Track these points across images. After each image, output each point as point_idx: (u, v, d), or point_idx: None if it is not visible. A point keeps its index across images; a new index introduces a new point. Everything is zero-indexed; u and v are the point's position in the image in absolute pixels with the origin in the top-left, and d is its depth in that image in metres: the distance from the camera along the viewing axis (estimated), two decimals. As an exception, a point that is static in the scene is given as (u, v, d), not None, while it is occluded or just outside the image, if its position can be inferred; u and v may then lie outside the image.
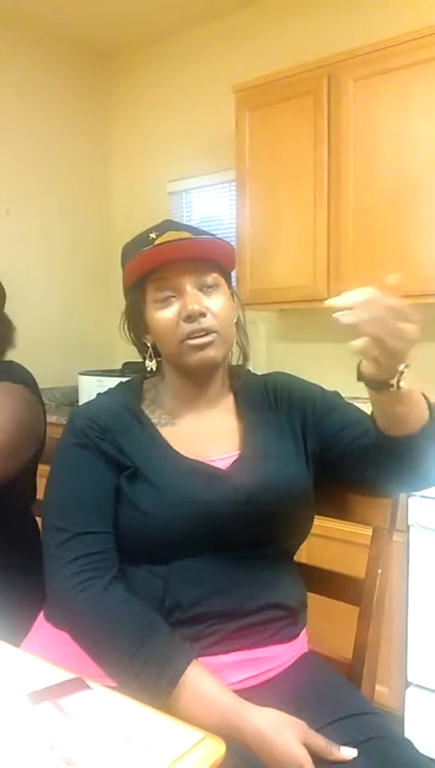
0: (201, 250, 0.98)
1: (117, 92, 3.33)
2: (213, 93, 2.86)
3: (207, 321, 0.97)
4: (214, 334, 0.98)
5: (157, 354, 1.06)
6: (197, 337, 0.97)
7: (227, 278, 1.06)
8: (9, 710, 0.70)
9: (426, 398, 0.95)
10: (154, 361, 1.07)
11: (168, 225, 1.02)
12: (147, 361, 1.07)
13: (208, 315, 0.97)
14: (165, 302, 0.99)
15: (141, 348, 1.09)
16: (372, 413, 0.97)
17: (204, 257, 0.99)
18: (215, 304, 0.99)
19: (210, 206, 3.05)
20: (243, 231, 2.50)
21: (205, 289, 0.99)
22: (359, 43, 2.18)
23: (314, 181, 2.29)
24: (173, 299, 0.98)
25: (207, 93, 2.92)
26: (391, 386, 0.85)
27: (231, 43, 2.86)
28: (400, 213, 2.12)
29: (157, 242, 0.98)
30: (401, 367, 0.85)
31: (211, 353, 0.99)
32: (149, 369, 1.07)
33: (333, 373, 2.48)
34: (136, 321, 1.06)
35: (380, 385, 0.86)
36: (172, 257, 0.97)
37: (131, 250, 1.02)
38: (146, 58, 3.20)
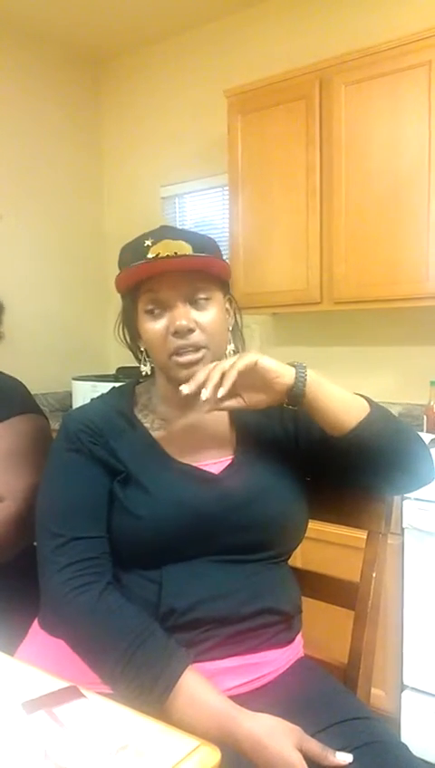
0: (194, 264, 0.97)
1: (109, 97, 3.34)
2: (205, 98, 2.87)
3: (195, 337, 0.97)
4: (203, 350, 0.97)
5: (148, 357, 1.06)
6: (185, 353, 0.97)
7: (223, 286, 1.04)
8: (3, 719, 0.70)
9: (364, 397, 0.99)
10: (148, 366, 1.06)
11: (164, 232, 1.00)
12: (141, 366, 1.07)
13: (197, 331, 0.97)
14: (155, 314, 0.98)
15: (135, 351, 1.09)
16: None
17: (196, 270, 0.98)
18: (205, 318, 0.98)
19: (203, 210, 3.05)
20: (236, 235, 2.50)
21: (196, 302, 0.98)
22: (350, 48, 2.20)
23: (307, 185, 2.30)
24: (163, 312, 0.98)
25: (199, 98, 2.93)
26: (298, 394, 0.93)
27: (223, 47, 2.87)
28: (391, 216, 2.12)
29: (151, 251, 0.97)
30: (293, 373, 0.93)
31: (198, 371, 0.98)
32: (144, 373, 1.07)
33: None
34: (129, 326, 1.06)
35: (293, 399, 0.94)
36: (164, 270, 0.96)
37: (126, 257, 1.01)
38: (137, 63, 3.20)
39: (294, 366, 0.94)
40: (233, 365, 0.90)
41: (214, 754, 0.65)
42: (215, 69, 2.88)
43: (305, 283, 2.32)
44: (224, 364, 0.91)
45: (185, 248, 0.97)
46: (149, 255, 0.96)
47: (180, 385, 0.97)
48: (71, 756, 0.63)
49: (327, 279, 2.28)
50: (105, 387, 1.16)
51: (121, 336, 1.08)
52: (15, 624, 1.07)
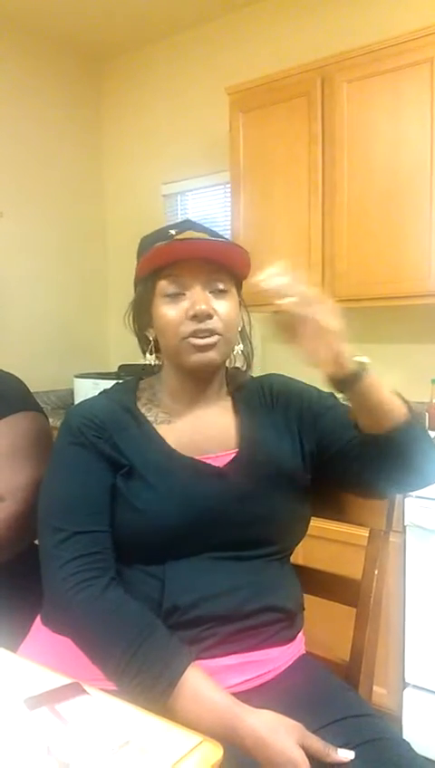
0: (217, 252, 0.99)
1: (110, 95, 3.33)
2: (207, 95, 2.87)
3: (212, 323, 0.98)
4: (217, 336, 0.98)
5: (158, 349, 1.06)
6: (201, 337, 0.97)
7: (239, 285, 1.06)
8: (6, 715, 0.70)
9: (402, 397, 0.97)
10: (154, 356, 1.06)
11: (188, 225, 1.03)
12: (147, 355, 1.07)
13: (215, 317, 0.98)
14: (173, 299, 0.99)
15: (143, 341, 1.09)
16: (352, 415, 0.99)
17: (218, 260, 0.99)
18: (223, 308, 0.99)
19: (205, 208, 3.05)
20: (237, 233, 2.50)
21: (215, 292, 1.00)
22: (352, 45, 2.19)
23: (308, 182, 2.29)
24: (182, 296, 0.99)
25: (201, 95, 2.93)
26: (357, 377, 0.90)
27: (224, 45, 2.86)
28: (393, 214, 2.12)
29: (175, 239, 0.98)
30: (357, 358, 0.91)
31: (211, 356, 0.99)
32: (150, 362, 1.07)
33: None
34: (141, 313, 1.06)
35: (343, 383, 0.91)
36: (187, 255, 0.98)
37: (149, 242, 1.02)
38: (139, 60, 3.20)
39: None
40: (311, 295, 0.88)
41: (216, 751, 0.66)
42: (216, 66, 2.87)
43: (307, 280, 2.31)
44: (304, 288, 0.88)
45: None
46: None
47: (190, 372, 1.00)
48: (73, 753, 0.63)
49: (329, 276, 2.27)
50: (107, 384, 1.16)
51: (130, 324, 1.08)
52: (18, 621, 1.07)
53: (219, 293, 1.00)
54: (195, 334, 0.97)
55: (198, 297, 0.97)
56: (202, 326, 0.97)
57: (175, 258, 0.98)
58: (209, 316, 0.97)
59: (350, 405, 0.98)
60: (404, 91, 2.07)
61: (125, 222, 3.27)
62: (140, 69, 3.20)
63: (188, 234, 1.00)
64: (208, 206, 3.03)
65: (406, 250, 2.10)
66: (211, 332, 0.98)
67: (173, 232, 1.00)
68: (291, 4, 2.65)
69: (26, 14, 2.85)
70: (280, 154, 2.36)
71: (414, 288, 2.10)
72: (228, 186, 2.59)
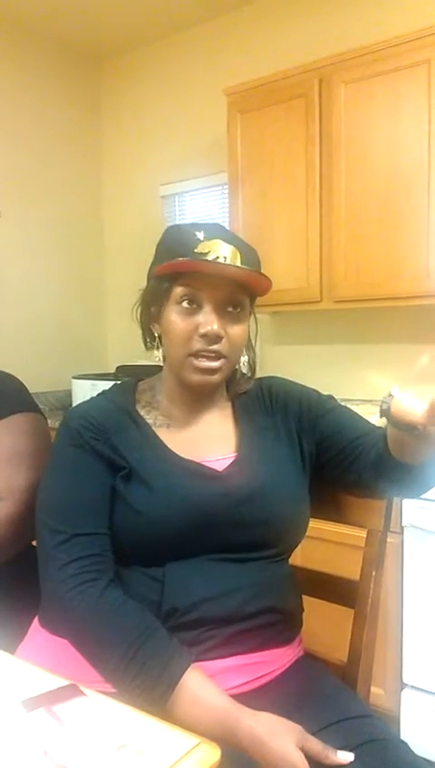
0: (240, 276, 0.97)
1: (108, 96, 3.33)
2: (205, 96, 2.87)
3: (220, 346, 0.97)
4: (223, 360, 0.98)
5: (162, 343, 1.04)
6: (205, 358, 0.96)
7: (253, 302, 1.04)
8: (3, 717, 0.70)
9: None
10: (160, 351, 1.04)
11: (218, 232, 0.99)
12: (154, 351, 1.05)
13: (224, 340, 0.97)
14: (186, 310, 0.97)
15: (148, 333, 1.07)
16: (386, 437, 0.96)
17: (240, 283, 0.98)
18: (235, 330, 0.98)
19: (203, 208, 3.05)
20: (235, 233, 2.50)
21: (229, 312, 0.98)
22: (350, 46, 2.20)
23: (306, 183, 2.29)
24: (196, 310, 0.97)
25: (199, 96, 2.93)
26: (418, 429, 0.82)
27: (222, 46, 2.86)
28: (391, 215, 2.12)
29: (202, 246, 0.95)
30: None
31: (214, 378, 0.99)
32: (156, 359, 1.05)
33: (326, 375, 2.48)
34: (150, 308, 1.04)
35: (406, 427, 0.83)
36: (209, 273, 0.95)
37: (174, 240, 0.99)
38: (137, 61, 3.20)
39: None
40: None
41: (214, 752, 0.65)
42: (215, 67, 2.87)
43: (305, 281, 2.32)
44: None
45: (236, 255, 0.97)
46: (201, 249, 0.95)
47: (190, 386, 0.99)
48: (70, 754, 0.63)
49: (327, 278, 2.27)
50: (105, 385, 1.15)
51: (137, 316, 1.06)
52: (16, 623, 1.07)
53: (234, 314, 0.98)
54: (201, 354, 0.96)
55: (211, 317, 0.96)
56: (210, 347, 0.96)
57: (195, 271, 0.96)
58: (219, 338, 0.96)
59: (389, 436, 0.93)
60: (402, 93, 2.07)
61: (123, 222, 3.27)
62: (139, 69, 3.20)
63: (217, 243, 0.96)
64: (206, 206, 3.03)
65: (404, 250, 2.10)
66: (218, 355, 0.97)
67: (201, 237, 0.97)
68: (289, 5, 2.65)
69: (25, 14, 2.85)
70: (278, 155, 2.36)
71: (412, 288, 2.10)
72: (226, 187, 2.60)
